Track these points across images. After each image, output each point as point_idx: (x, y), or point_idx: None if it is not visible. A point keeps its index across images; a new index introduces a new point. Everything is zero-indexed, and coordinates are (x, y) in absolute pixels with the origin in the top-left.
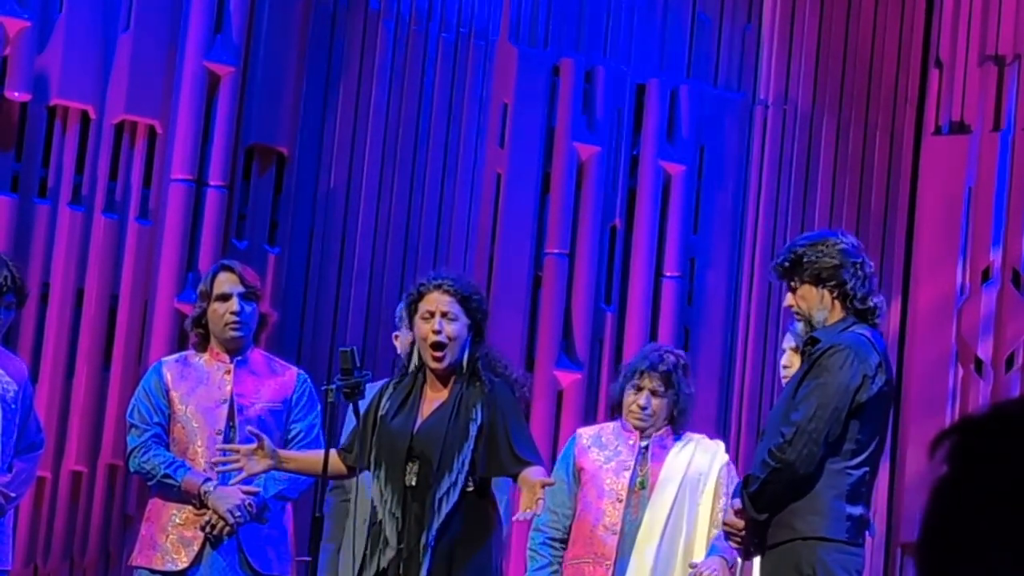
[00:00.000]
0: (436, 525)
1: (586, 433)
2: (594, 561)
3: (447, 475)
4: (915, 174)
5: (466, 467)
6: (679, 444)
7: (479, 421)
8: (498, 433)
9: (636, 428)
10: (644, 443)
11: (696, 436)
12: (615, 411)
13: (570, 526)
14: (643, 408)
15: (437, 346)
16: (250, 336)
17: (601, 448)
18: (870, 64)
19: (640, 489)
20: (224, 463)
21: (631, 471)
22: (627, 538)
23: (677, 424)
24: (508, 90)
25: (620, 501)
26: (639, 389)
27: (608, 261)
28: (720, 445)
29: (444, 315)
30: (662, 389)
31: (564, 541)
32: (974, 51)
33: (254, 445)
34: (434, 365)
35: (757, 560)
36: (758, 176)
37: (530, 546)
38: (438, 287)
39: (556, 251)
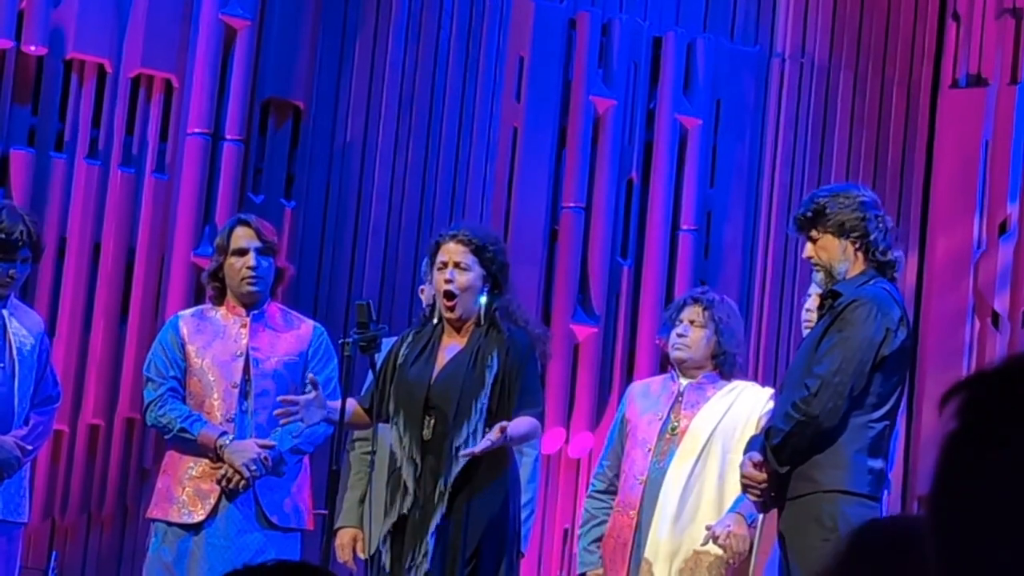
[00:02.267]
0: (454, 472)
1: (637, 386)
2: (622, 510)
3: (465, 423)
4: (932, 127)
5: (483, 415)
6: (724, 390)
7: (495, 369)
8: (512, 381)
9: (677, 362)
10: (682, 386)
11: (745, 383)
12: (668, 361)
13: (615, 477)
14: (681, 336)
15: (448, 295)
16: (267, 290)
17: (645, 398)
18: (887, 17)
19: (671, 435)
20: (285, 415)
21: (664, 418)
22: (652, 486)
23: (723, 366)
24: (524, 44)
25: (649, 449)
26: (679, 323)
27: (624, 215)
28: (767, 393)
29: (457, 265)
30: (700, 319)
31: (612, 492)
32: (991, 4)
33: (313, 394)
34: (447, 315)
35: (773, 514)
36: (774, 130)
37: None
38: (453, 237)
39: (572, 205)
